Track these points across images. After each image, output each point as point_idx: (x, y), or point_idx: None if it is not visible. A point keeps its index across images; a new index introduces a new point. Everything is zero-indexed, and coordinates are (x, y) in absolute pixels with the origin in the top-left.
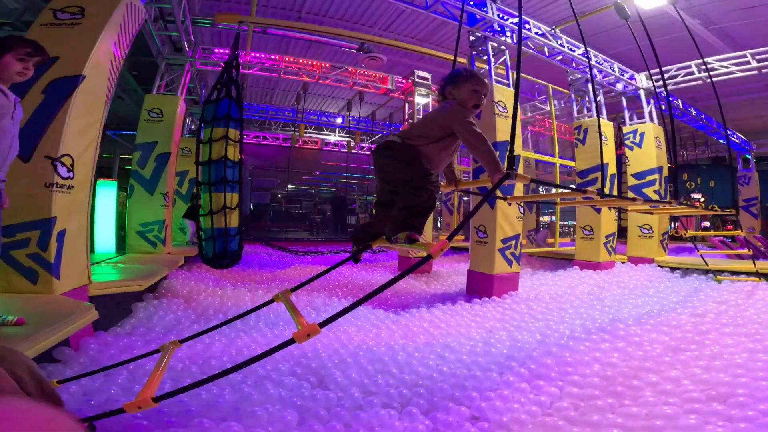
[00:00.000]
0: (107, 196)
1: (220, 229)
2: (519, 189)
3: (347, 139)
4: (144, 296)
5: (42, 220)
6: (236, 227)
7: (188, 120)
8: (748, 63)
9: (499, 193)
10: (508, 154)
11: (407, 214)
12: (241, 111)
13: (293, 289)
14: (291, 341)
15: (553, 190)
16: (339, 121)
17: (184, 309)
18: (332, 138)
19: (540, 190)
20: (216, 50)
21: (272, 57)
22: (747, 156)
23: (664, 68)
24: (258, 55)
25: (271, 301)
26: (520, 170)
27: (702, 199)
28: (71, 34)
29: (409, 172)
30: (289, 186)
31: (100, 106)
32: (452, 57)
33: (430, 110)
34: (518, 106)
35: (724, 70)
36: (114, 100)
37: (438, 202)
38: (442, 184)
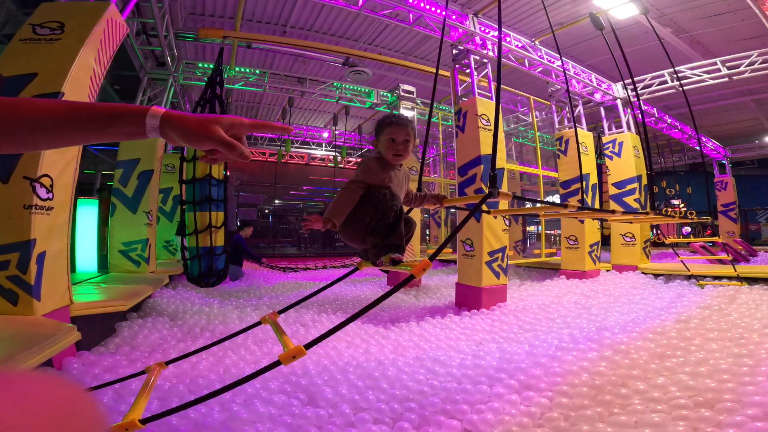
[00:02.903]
0: (88, 214)
1: (206, 248)
2: (504, 202)
3: (334, 153)
4: (128, 315)
5: (21, 242)
6: (222, 246)
7: None
8: (719, 70)
9: (485, 207)
10: (490, 171)
11: (383, 237)
12: None
13: (281, 311)
14: (277, 363)
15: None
16: (325, 135)
17: (170, 327)
18: (319, 153)
19: (525, 201)
20: (200, 65)
21: (257, 71)
22: (722, 162)
23: (638, 77)
24: (242, 69)
25: (259, 323)
26: (504, 183)
27: (682, 206)
28: (50, 50)
29: (368, 212)
30: (276, 201)
31: None
32: (435, 70)
33: None
34: (500, 122)
35: (696, 78)
36: None
37: (425, 215)
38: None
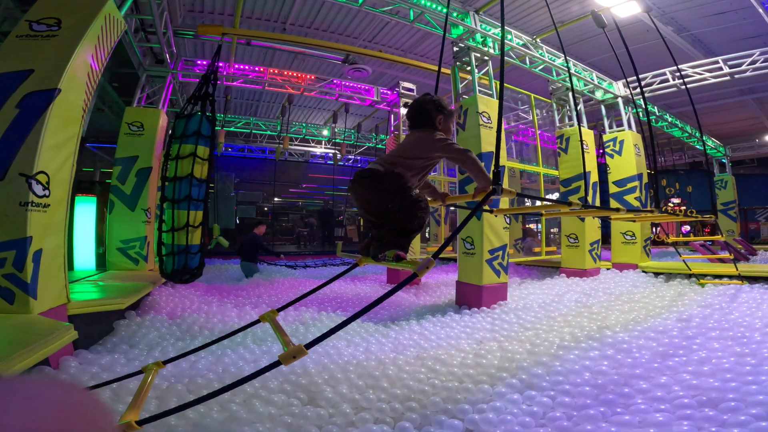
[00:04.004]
0: (86, 212)
1: (181, 246)
2: (505, 201)
3: (333, 151)
4: (126, 314)
5: (17, 240)
6: (198, 245)
7: (170, 133)
8: (721, 69)
9: (485, 206)
10: (493, 168)
11: (396, 234)
12: (213, 128)
13: (280, 309)
14: (277, 363)
15: (539, 203)
16: (325, 132)
17: (168, 326)
18: (318, 150)
19: (525, 200)
20: (199, 62)
21: (256, 69)
22: (723, 161)
23: (639, 76)
24: (242, 66)
25: (257, 322)
26: (505, 181)
27: (682, 204)
28: (47, 47)
29: (399, 201)
30: (276, 199)
31: (77, 121)
32: (435, 67)
33: (411, 137)
34: (502, 120)
35: (698, 76)
36: (94, 113)
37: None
38: (428, 200)
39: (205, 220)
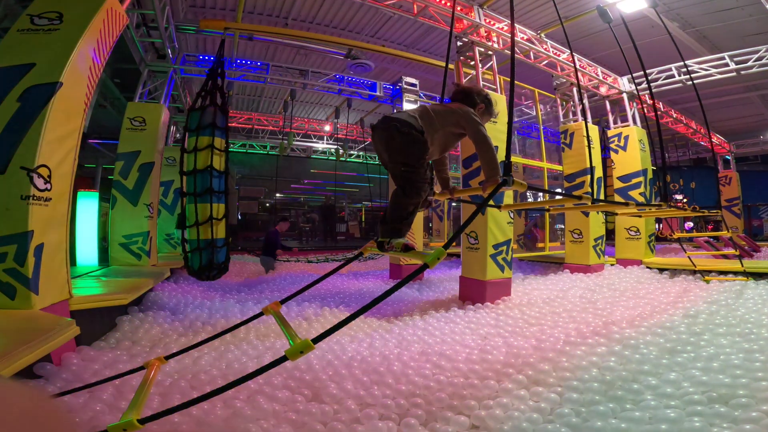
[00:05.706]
0: (89, 207)
1: (207, 241)
2: (509, 196)
3: (335, 146)
4: (129, 309)
5: (18, 234)
6: (223, 238)
7: (172, 128)
8: (727, 65)
9: (491, 202)
10: (503, 160)
11: (394, 217)
12: (227, 119)
13: (283, 301)
14: (284, 358)
15: (542, 197)
16: (327, 128)
17: (171, 322)
18: (320, 146)
19: (528, 195)
20: (201, 57)
21: (258, 64)
22: (727, 157)
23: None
24: (244, 61)
25: (260, 314)
26: None
27: (685, 200)
28: (48, 40)
29: (411, 160)
30: (277, 195)
31: (79, 115)
32: (438, 62)
33: (449, 103)
34: (512, 113)
35: (704, 72)
36: (96, 109)
37: (430, 209)
38: (437, 193)
39: (227, 213)
